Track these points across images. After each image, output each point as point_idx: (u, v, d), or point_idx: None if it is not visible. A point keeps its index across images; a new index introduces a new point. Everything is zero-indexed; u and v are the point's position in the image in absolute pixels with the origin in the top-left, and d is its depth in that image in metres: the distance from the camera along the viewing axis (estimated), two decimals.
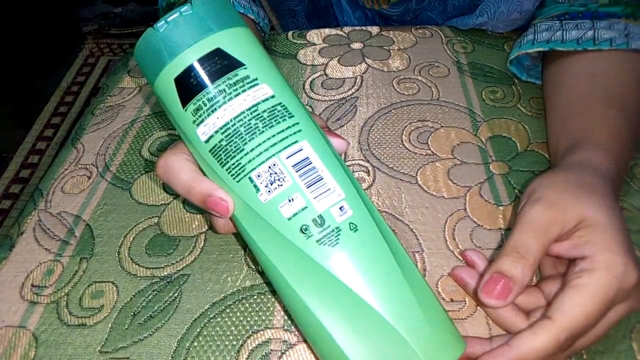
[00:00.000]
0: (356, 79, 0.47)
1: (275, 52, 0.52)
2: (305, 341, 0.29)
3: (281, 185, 0.24)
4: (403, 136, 0.41)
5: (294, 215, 0.24)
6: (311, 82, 0.47)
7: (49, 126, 1.46)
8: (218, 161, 0.25)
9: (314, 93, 0.46)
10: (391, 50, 0.50)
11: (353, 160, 0.39)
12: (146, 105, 0.47)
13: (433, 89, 0.45)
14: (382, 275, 0.23)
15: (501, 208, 0.35)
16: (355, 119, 0.43)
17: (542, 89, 0.44)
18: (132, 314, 0.31)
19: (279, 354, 0.28)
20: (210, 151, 0.25)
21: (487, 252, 0.33)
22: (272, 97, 0.25)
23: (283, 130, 0.25)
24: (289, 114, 0.25)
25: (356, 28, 0.54)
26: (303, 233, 0.24)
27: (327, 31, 0.54)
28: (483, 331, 0.29)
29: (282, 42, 0.53)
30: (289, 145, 0.24)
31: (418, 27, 0.53)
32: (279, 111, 0.25)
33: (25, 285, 0.33)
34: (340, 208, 0.24)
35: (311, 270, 0.23)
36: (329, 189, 0.24)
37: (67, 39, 1.77)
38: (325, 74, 0.48)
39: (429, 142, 0.40)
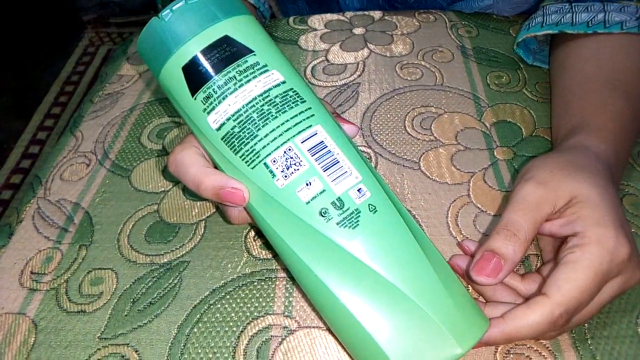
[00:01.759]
0: (358, 64, 0.46)
1: (276, 38, 0.51)
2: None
3: (298, 169, 0.24)
4: (406, 122, 0.41)
5: (313, 199, 0.24)
6: (312, 67, 0.47)
7: (49, 116, 1.45)
8: (231, 149, 0.25)
9: (315, 79, 0.45)
10: (394, 35, 0.49)
11: None
12: (145, 92, 0.47)
13: (437, 74, 0.45)
14: (404, 254, 0.23)
15: (505, 194, 0.35)
16: (357, 105, 0.42)
17: (548, 73, 0.43)
18: (131, 300, 0.31)
19: (279, 339, 0.28)
20: (222, 139, 0.25)
21: None
22: (283, 82, 0.25)
23: (296, 115, 0.24)
24: (300, 99, 0.25)
25: (358, 13, 0.53)
26: (322, 216, 0.23)
27: (328, 16, 0.53)
28: None
29: (283, 27, 0.53)
30: (304, 130, 0.24)
31: (422, 11, 0.52)
32: (290, 96, 0.25)
33: (24, 272, 0.33)
34: (358, 190, 0.24)
35: (332, 252, 0.23)
36: (346, 172, 0.24)
37: (67, 28, 1.76)
38: (327, 60, 0.47)
39: (432, 128, 0.40)
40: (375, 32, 0.50)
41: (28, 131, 1.41)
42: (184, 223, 0.35)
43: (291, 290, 0.30)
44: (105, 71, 0.52)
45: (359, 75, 0.45)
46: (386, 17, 0.52)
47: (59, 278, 0.32)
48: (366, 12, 0.53)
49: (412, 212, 0.34)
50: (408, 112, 0.41)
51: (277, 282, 0.31)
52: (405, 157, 0.38)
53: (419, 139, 0.39)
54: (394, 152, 0.38)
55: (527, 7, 0.50)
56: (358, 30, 0.50)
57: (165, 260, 0.33)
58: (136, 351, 0.28)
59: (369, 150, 0.38)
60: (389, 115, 0.41)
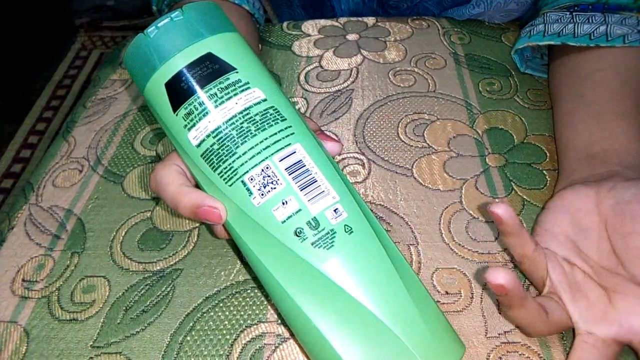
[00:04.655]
0: (352, 70, 0.47)
1: (270, 44, 0.51)
2: (301, 347, 0.28)
3: (274, 188, 0.24)
4: (399, 129, 0.41)
5: (288, 218, 0.23)
6: (306, 74, 0.47)
7: (41, 120, 1.44)
8: (210, 165, 0.25)
9: (309, 85, 0.46)
10: (387, 42, 0.50)
11: (348, 153, 0.39)
12: (138, 98, 0.47)
13: (429, 81, 0.45)
14: (378, 277, 0.23)
15: (497, 200, 0.35)
16: (351, 111, 0.43)
17: (549, 79, 0.42)
18: (124, 308, 0.30)
19: (273, 347, 0.28)
20: (201, 156, 0.25)
21: (482, 245, 0.32)
22: (264, 100, 0.25)
23: (276, 133, 0.24)
24: (281, 117, 0.25)
25: (352, 19, 0.53)
26: (297, 236, 0.23)
27: (322, 22, 0.53)
28: (479, 324, 0.29)
29: (277, 33, 0.53)
30: (282, 148, 0.24)
31: (415, 18, 0.53)
32: (271, 114, 0.25)
33: (16, 280, 0.33)
34: (334, 210, 0.24)
35: (306, 273, 0.23)
36: (323, 192, 0.24)
37: (59, 32, 1.75)
38: (321, 66, 0.48)
39: (425, 135, 0.40)
40: (368, 39, 0.50)
41: (19, 135, 1.40)
42: (177, 230, 0.35)
43: None
44: (98, 76, 0.52)
45: (353, 82, 0.45)
46: (379, 24, 0.52)
47: (51, 286, 0.32)
48: (360, 19, 0.53)
49: (405, 219, 0.34)
50: (401, 119, 0.42)
51: (269, 298, 0.31)
52: (398, 163, 0.38)
53: (411, 146, 0.39)
54: (386, 158, 0.38)
55: (517, 15, 0.51)
56: (351, 37, 0.51)
57: (158, 267, 0.33)
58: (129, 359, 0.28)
59: (362, 157, 0.39)
60: (382, 122, 0.41)
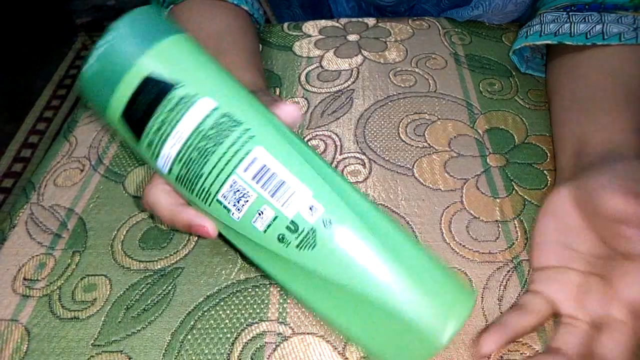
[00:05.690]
0: (352, 71, 0.47)
1: (271, 44, 0.52)
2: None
3: (247, 200, 0.24)
4: (399, 129, 0.41)
5: (268, 227, 0.23)
6: (307, 74, 0.47)
7: (42, 120, 1.44)
8: (186, 189, 0.25)
9: (310, 85, 0.46)
10: (388, 42, 0.50)
11: (349, 152, 0.39)
12: None
13: (430, 81, 0.45)
14: (365, 258, 0.23)
15: (498, 200, 0.35)
16: (352, 111, 0.43)
17: (547, 79, 0.42)
18: (125, 307, 0.31)
19: (274, 346, 0.28)
20: (176, 181, 0.25)
21: (483, 245, 0.32)
22: (216, 109, 0.24)
23: (233, 144, 0.24)
24: (235, 123, 0.24)
25: (352, 20, 0.53)
26: (281, 242, 0.23)
27: (323, 22, 0.53)
28: (479, 323, 0.29)
29: (278, 33, 0.53)
30: (243, 158, 0.24)
31: (415, 18, 0.53)
32: (225, 123, 0.24)
33: (17, 278, 0.33)
34: (310, 208, 0.23)
35: (299, 274, 0.24)
36: (295, 192, 0.24)
37: (60, 31, 1.75)
38: (321, 66, 0.48)
39: (426, 135, 0.40)
40: (369, 39, 0.50)
41: (20, 134, 1.41)
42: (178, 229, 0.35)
43: (285, 297, 0.31)
44: None
45: (353, 82, 0.46)
46: (380, 24, 0.52)
47: (52, 284, 0.32)
48: (360, 19, 0.53)
49: (405, 218, 0.34)
50: (402, 119, 0.42)
51: (271, 289, 0.31)
52: (399, 163, 0.38)
53: (412, 146, 0.39)
54: (387, 158, 0.38)
55: (517, 16, 0.51)
56: (352, 37, 0.51)
57: (159, 266, 0.33)
58: (130, 358, 0.28)
59: (363, 157, 0.39)
60: (382, 122, 0.42)
